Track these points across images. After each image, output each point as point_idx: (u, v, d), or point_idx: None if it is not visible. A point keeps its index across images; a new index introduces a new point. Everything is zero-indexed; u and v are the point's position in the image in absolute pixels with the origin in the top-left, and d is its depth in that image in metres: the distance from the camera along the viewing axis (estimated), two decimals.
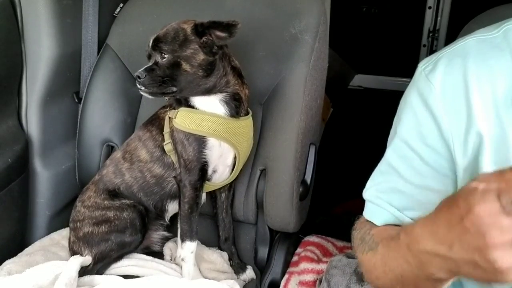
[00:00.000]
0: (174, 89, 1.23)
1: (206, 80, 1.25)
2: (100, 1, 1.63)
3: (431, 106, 0.81)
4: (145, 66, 1.22)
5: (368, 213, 0.93)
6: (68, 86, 1.63)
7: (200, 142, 1.28)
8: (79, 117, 1.62)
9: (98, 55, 1.65)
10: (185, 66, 1.21)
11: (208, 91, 1.27)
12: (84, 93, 1.62)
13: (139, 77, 1.20)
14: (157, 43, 1.22)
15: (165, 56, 1.21)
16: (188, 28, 1.23)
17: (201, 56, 1.22)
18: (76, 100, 1.65)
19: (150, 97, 1.25)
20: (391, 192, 0.89)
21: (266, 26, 1.45)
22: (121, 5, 1.72)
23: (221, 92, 1.29)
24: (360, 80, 3.13)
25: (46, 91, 1.53)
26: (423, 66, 0.85)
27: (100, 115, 1.61)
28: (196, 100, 1.30)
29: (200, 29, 1.22)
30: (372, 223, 0.91)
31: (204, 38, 1.22)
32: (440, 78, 0.80)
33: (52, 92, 1.55)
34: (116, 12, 1.71)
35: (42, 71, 1.51)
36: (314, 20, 1.42)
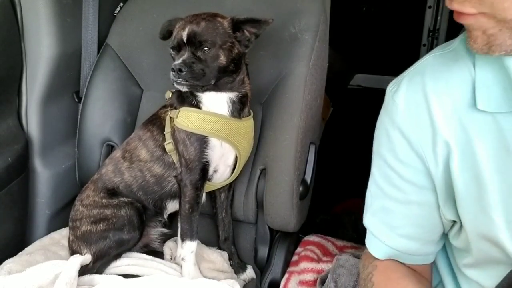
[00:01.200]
0: (213, 81, 1.24)
1: (232, 76, 1.27)
2: (100, 1, 1.63)
3: (399, 124, 0.85)
4: (182, 59, 1.19)
5: (368, 242, 0.98)
6: (68, 85, 1.63)
7: (202, 142, 1.28)
8: (79, 116, 1.62)
9: (98, 54, 1.65)
10: (222, 59, 1.23)
11: (229, 88, 1.29)
12: (84, 93, 1.61)
13: (180, 70, 1.17)
14: (197, 37, 1.20)
15: (207, 49, 1.21)
16: (224, 22, 1.25)
17: (235, 50, 1.25)
18: (76, 100, 1.65)
19: (185, 89, 1.25)
20: (382, 212, 0.93)
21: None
22: (121, 4, 1.71)
23: (236, 91, 1.30)
24: (360, 80, 3.13)
25: (46, 90, 1.53)
26: (390, 88, 0.90)
27: (100, 115, 1.60)
28: (205, 97, 1.30)
29: (236, 24, 1.24)
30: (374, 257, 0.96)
31: (238, 33, 1.25)
32: (403, 97, 0.85)
33: (52, 91, 1.55)
34: (116, 11, 1.71)
35: (42, 71, 1.51)
36: (314, 19, 1.42)
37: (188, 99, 1.32)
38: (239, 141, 1.33)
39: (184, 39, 1.21)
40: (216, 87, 1.27)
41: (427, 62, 0.87)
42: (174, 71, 1.18)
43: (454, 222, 0.88)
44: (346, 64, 2.96)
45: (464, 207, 0.81)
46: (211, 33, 1.21)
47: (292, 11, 1.44)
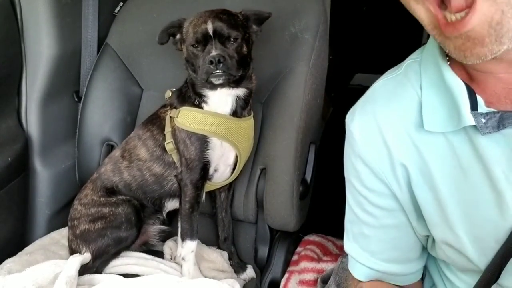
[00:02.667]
0: (241, 72, 1.25)
1: (245, 69, 1.28)
2: (100, 0, 1.63)
3: (359, 153, 0.86)
4: (216, 51, 1.19)
5: (351, 267, 0.98)
6: (68, 85, 1.63)
7: (202, 141, 1.28)
8: (79, 116, 1.62)
9: (98, 54, 1.65)
10: (245, 49, 1.25)
11: (240, 83, 1.29)
12: (84, 92, 1.61)
13: (220, 61, 1.17)
14: (224, 29, 1.21)
15: (233, 40, 1.22)
16: (238, 14, 1.27)
17: (251, 41, 1.28)
18: (76, 99, 1.65)
19: (220, 81, 1.23)
20: (361, 238, 0.93)
21: (266, 25, 1.44)
22: (121, 4, 1.71)
23: (245, 87, 1.31)
24: (360, 79, 3.12)
25: (46, 90, 1.53)
26: (347, 117, 0.91)
27: (100, 114, 1.60)
28: (212, 95, 1.29)
29: (247, 18, 1.27)
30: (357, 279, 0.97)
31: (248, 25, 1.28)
32: (358, 127, 0.87)
33: (52, 91, 1.55)
34: (116, 11, 1.71)
35: (42, 71, 1.51)
36: (314, 19, 1.42)
37: (189, 99, 1.32)
38: (239, 141, 1.33)
39: (211, 32, 1.21)
40: (233, 82, 1.27)
41: (377, 89, 0.88)
42: (212, 63, 1.18)
43: (428, 235, 0.89)
44: (346, 63, 2.96)
45: (432, 225, 0.83)
46: (235, 25, 1.23)
47: (292, 11, 1.44)
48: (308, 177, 1.46)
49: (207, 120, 1.27)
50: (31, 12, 1.48)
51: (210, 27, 1.21)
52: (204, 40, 1.22)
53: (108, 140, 1.60)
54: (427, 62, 0.81)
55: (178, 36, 1.32)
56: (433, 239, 0.87)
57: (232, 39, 1.21)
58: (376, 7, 3.19)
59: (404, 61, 0.87)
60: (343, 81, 3.08)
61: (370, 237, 0.91)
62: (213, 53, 1.19)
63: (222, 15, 1.23)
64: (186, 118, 1.29)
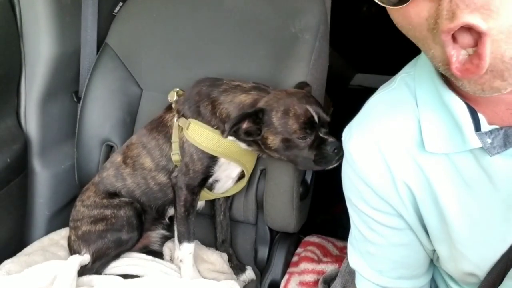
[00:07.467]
0: None
1: None
2: (100, 0, 1.63)
3: (359, 173, 0.83)
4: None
5: (358, 281, 0.96)
6: (67, 85, 1.63)
7: (210, 160, 1.27)
8: (78, 116, 1.61)
9: (97, 54, 1.64)
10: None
11: None
12: (83, 93, 1.61)
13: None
14: (326, 118, 1.23)
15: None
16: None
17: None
18: (75, 100, 1.65)
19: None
20: (368, 256, 0.91)
21: (266, 25, 1.44)
22: (121, 4, 1.71)
23: None
24: (361, 79, 3.12)
25: (45, 90, 1.52)
26: (344, 136, 0.88)
27: (99, 115, 1.60)
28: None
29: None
30: None
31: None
32: (356, 147, 0.83)
33: (51, 91, 1.55)
34: (115, 11, 1.70)
35: (41, 71, 1.50)
36: (314, 19, 1.41)
37: (206, 117, 1.26)
38: (247, 160, 1.33)
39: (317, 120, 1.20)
40: None
41: (372, 107, 0.85)
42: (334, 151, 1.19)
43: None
44: (347, 63, 2.95)
45: (436, 242, 0.81)
46: None
47: (292, 11, 1.44)
48: (308, 178, 1.45)
49: (221, 142, 1.25)
50: (30, 12, 1.47)
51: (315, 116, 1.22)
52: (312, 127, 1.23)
53: (107, 140, 1.59)
54: (422, 78, 0.77)
55: None
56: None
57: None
58: (376, 7, 3.18)
59: (397, 75, 0.84)
60: (343, 81, 3.07)
61: (378, 256, 0.89)
62: (331, 139, 1.22)
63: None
64: (198, 135, 1.25)
